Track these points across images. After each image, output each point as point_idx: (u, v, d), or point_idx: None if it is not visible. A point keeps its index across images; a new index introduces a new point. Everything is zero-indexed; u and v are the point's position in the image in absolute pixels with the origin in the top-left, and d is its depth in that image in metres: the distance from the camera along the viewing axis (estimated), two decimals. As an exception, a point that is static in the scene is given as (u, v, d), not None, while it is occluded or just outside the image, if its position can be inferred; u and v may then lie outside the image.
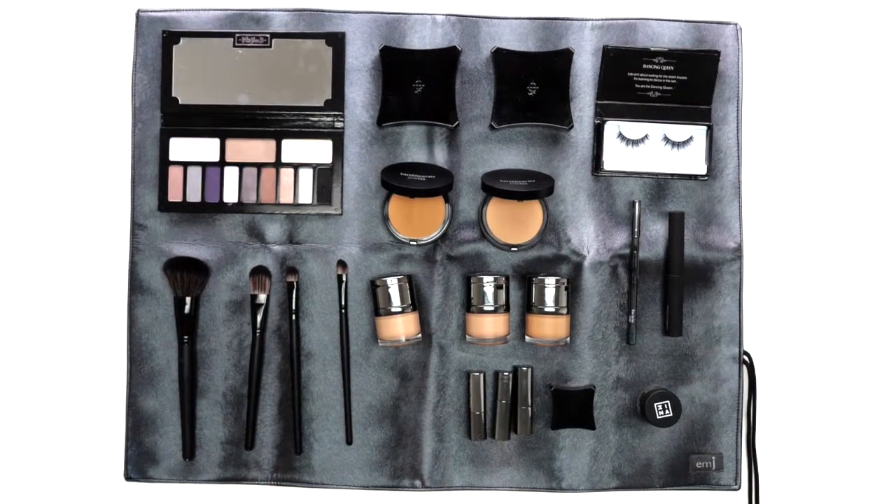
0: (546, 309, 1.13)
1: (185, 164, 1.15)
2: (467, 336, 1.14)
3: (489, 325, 1.13)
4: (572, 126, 1.16)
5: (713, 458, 1.16)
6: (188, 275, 1.13)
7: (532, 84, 1.15)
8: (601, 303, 1.16)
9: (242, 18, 1.16)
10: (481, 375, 1.15)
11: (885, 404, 1.20)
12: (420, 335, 1.14)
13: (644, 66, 1.14)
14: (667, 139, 1.16)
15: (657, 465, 1.16)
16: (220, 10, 1.16)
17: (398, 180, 1.12)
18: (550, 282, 1.13)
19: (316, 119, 1.15)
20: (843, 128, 1.21)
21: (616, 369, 1.16)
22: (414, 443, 1.15)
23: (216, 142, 1.15)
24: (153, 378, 1.15)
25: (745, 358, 1.17)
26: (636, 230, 1.15)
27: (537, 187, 1.12)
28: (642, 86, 1.15)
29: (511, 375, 1.15)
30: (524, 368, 1.15)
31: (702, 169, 1.16)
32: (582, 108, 1.16)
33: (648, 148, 1.16)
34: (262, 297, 1.14)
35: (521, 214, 1.15)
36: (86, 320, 1.17)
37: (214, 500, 1.17)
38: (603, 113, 1.16)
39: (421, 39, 1.16)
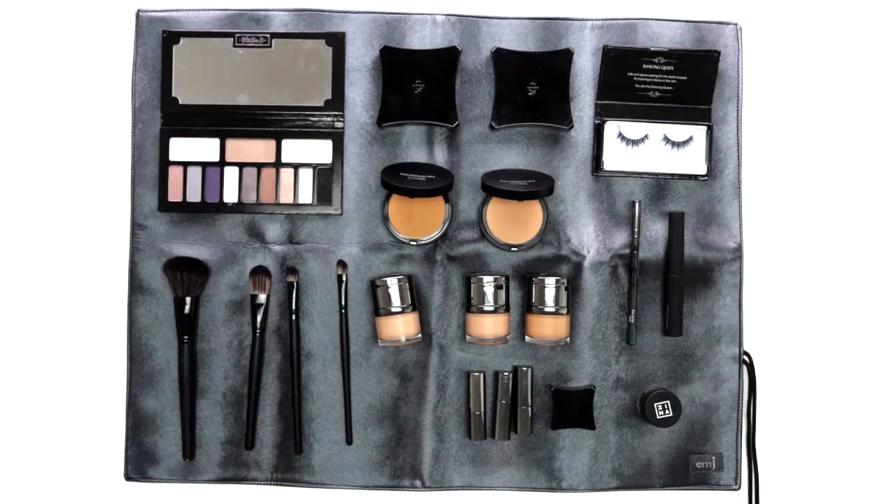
0: (546, 309, 1.13)
1: (185, 164, 1.15)
2: (467, 336, 1.14)
3: (489, 325, 1.13)
4: (572, 126, 1.16)
5: (713, 458, 1.16)
6: (188, 275, 1.13)
7: (532, 84, 1.15)
8: (601, 303, 1.16)
9: (242, 18, 1.16)
10: (481, 375, 1.15)
11: (885, 404, 1.20)
12: (420, 335, 1.14)
13: (644, 66, 1.14)
14: (667, 139, 1.16)
15: (657, 465, 1.16)
16: (220, 10, 1.16)
17: (398, 180, 1.12)
18: (550, 282, 1.13)
19: (316, 119, 1.15)
20: (843, 128, 1.21)
21: (616, 369, 1.16)
22: (414, 443, 1.15)
23: (216, 142, 1.15)
24: (153, 378, 1.15)
25: (745, 358, 1.17)
26: (636, 230, 1.15)
27: (537, 187, 1.12)
28: (642, 86, 1.15)
29: (511, 375, 1.15)
30: (524, 368, 1.15)
31: (702, 169, 1.16)
32: (582, 108, 1.16)
33: (648, 148, 1.16)
34: (262, 297, 1.14)
35: (521, 214, 1.15)
36: (86, 320, 1.17)
37: (214, 500, 1.17)
38: (603, 113, 1.16)
39: (421, 39, 1.16)
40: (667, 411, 1.13)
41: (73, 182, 1.18)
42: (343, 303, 1.15)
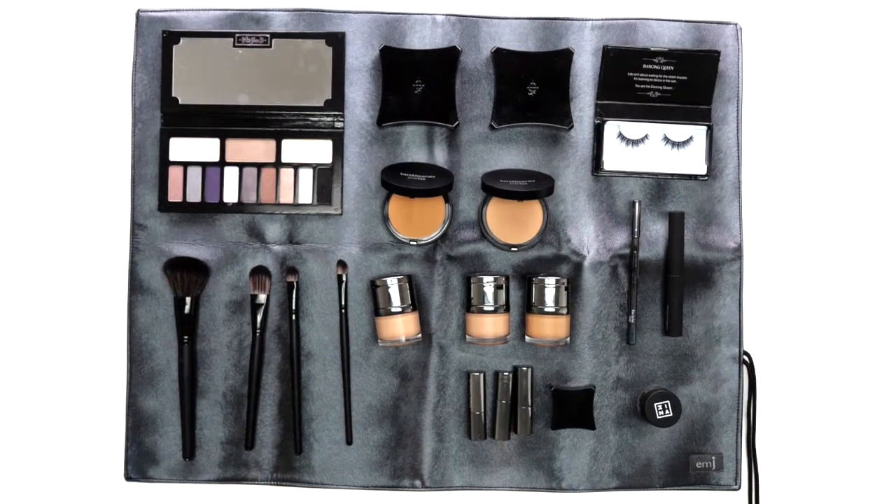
0: (546, 309, 1.13)
1: (185, 164, 1.15)
2: (467, 336, 1.14)
3: (489, 325, 1.13)
4: (572, 126, 1.16)
5: (713, 458, 1.16)
6: (188, 275, 1.13)
7: (532, 84, 1.15)
8: (601, 303, 1.16)
9: (242, 18, 1.16)
10: (481, 375, 1.15)
11: (885, 404, 1.20)
12: (420, 335, 1.14)
13: (644, 66, 1.14)
14: (667, 139, 1.16)
15: (657, 465, 1.16)
16: (220, 10, 1.16)
17: (398, 180, 1.12)
18: (550, 282, 1.13)
19: (316, 119, 1.15)
20: (843, 128, 1.21)
21: (616, 369, 1.16)
22: (414, 443, 1.15)
23: (216, 142, 1.15)
24: (153, 378, 1.15)
25: (745, 358, 1.17)
26: (636, 230, 1.15)
27: (537, 187, 1.12)
28: (642, 86, 1.15)
29: (511, 375, 1.15)
30: (524, 368, 1.15)
31: (702, 169, 1.16)
32: (582, 108, 1.16)
33: (648, 148, 1.16)
34: (262, 297, 1.14)
35: (521, 214, 1.15)
36: (86, 320, 1.17)
37: (214, 500, 1.17)
38: (603, 113, 1.16)
39: (421, 39, 1.16)
40: (667, 411, 1.13)
41: (73, 182, 1.18)
42: (343, 303, 1.15)
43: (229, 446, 1.15)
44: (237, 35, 1.15)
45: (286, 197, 1.15)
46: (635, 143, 1.16)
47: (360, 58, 1.16)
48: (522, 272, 1.16)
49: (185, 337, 1.14)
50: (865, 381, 1.20)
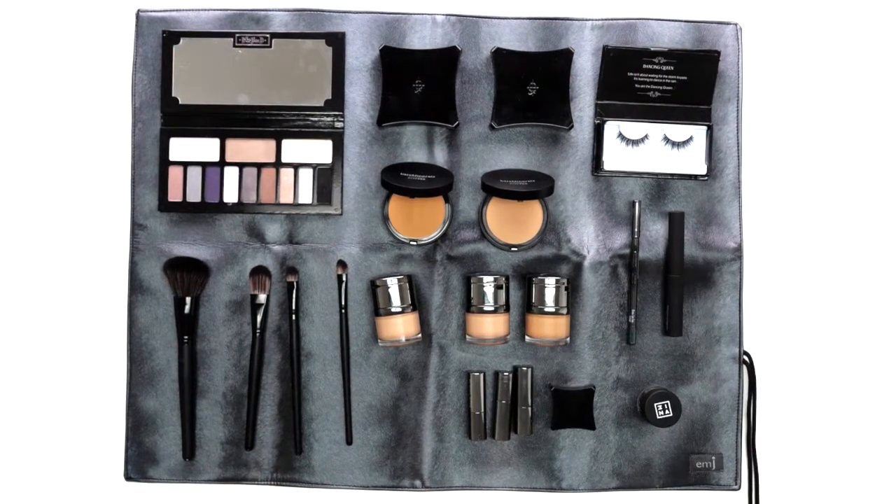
0: (546, 309, 1.13)
1: (185, 164, 1.15)
2: (467, 336, 1.14)
3: (489, 325, 1.13)
4: (572, 126, 1.16)
5: (713, 458, 1.16)
6: (188, 275, 1.13)
7: (532, 84, 1.15)
8: (601, 303, 1.16)
9: (242, 18, 1.16)
10: (481, 375, 1.15)
11: (885, 404, 1.20)
12: (420, 335, 1.14)
13: (644, 66, 1.14)
14: (667, 139, 1.16)
15: (657, 465, 1.16)
16: (220, 10, 1.16)
17: (398, 180, 1.12)
18: (550, 282, 1.13)
19: (316, 119, 1.15)
20: (843, 128, 1.21)
21: (616, 369, 1.16)
22: (414, 443, 1.15)
23: (216, 142, 1.15)
24: (153, 378, 1.15)
25: (745, 358, 1.17)
26: (636, 230, 1.15)
27: (537, 187, 1.12)
28: (642, 86, 1.15)
29: (511, 375, 1.15)
30: (524, 368, 1.15)
31: (702, 169, 1.16)
32: (582, 108, 1.16)
33: (648, 148, 1.16)
34: (262, 297, 1.14)
35: (521, 214, 1.15)
36: (86, 320, 1.17)
37: (214, 500, 1.17)
38: (603, 113, 1.16)
39: (421, 39, 1.16)
40: (667, 411, 1.13)
41: (74, 182, 1.18)
42: (343, 303, 1.15)
43: (229, 446, 1.15)
44: (237, 35, 1.15)
45: (286, 197, 1.15)
46: (635, 143, 1.16)
47: (360, 58, 1.16)
48: (522, 272, 1.16)
49: (185, 337, 1.14)
50: (865, 381, 1.20)
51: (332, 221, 1.16)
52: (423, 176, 1.13)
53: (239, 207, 1.15)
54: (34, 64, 1.19)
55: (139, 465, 1.15)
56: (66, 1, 1.19)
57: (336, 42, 1.15)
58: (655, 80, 1.15)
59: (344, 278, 1.15)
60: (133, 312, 1.15)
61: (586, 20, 1.16)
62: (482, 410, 1.15)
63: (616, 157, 1.16)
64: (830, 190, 1.20)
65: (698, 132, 1.16)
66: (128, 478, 1.15)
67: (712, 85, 1.15)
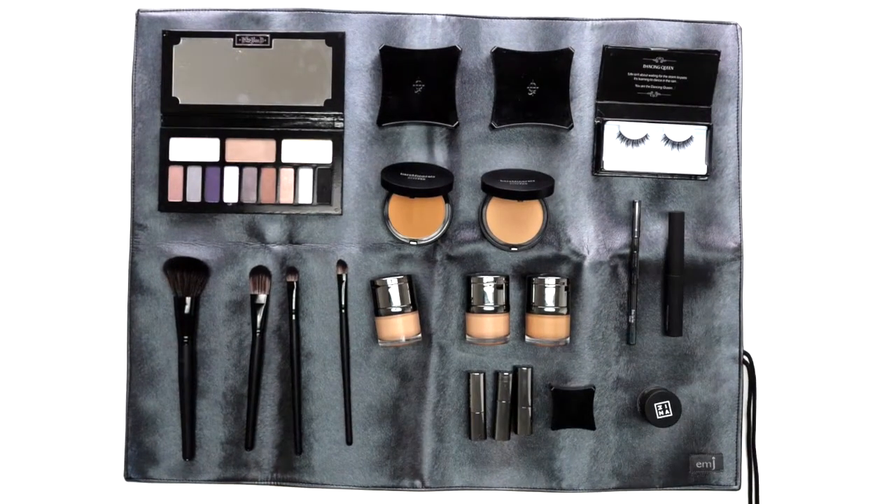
0: (546, 309, 1.13)
1: (185, 164, 1.15)
2: (467, 336, 1.14)
3: (489, 325, 1.13)
4: (572, 126, 1.16)
5: (713, 458, 1.16)
6: (188, 275, 1.13)
7: (532, 84, 1.15)
8: (601, 303, 1.16)
9: (242, 18, 1.16)
10: (481, 375, 1.15)
11: (885, 404, 1.20)
12: (420, 335, 1.14)
13: (644, 66, 1.14)
14: (667, 139, 1.16)
15: (657, 465, 1.16)
16: (220, 10, 1.16)
17: (398, 180, 1.12)
18: (550, 282, 1.13)
19: (316, 119, 1.15)
20: (842, 128, 1.21)
21: (616, 369, 1.16)
22: (414, 443, 1.15)
23: (216, 142, 1.15)
24: (153, 378, 1.15)
25: (745, 358, 1.17)
26: (636, 230, 1.15)
27: (537, 187, 1.12)
28: (642, 86, 1.15)
29: (511, 375, 1.15)
30: (524, 368, 1.15)
31: (702, 169, 1.16)
32: (582, 108, 1.16)
33: (648, 148, 1.16)
34: (262, 297, 1.14)
35: (521, 214, 1.15)
36: (86, 320, 1.17)
37: (214, 500, 1.17)
38: (603, 113, 1.16)
39: (421, 39, 1.16)
40: (667, 411, 1.13)
41: (73, 182, 1.18)
42: (343, 303, 1.15)
43: (229, 446, 1.15)
44: (237, 35, 1.15)
45: (286, 197, 1.15)
46: (635, 143, 1.16)
47: (360, 58, 1.16)
48: (522, 272, 1.16)
49: (185, 337, 1.14)
50: (865, 381, 1.20)
51: (332, 221, 1.16)
52: (423, 176, 1.13)
53: (239, 207, 1.15)
54: (34, 64, 1.19)
55: (139, 465, 1.15)
56: (66, 1, 1.19)
57: (336, 42, 1.15)
58: (655, 80, 1.15)
59: (344, 278, 1.15)
60: (133, 312, 1.15)
61: (586, 20, 1.16)
62: (482, 410, 1.15)
63: (616, 157, 1.16)
64: (830, 190, 1.20)
65: (698, 132, 1.16)
66: (128, 478, 1.15)
67: (712, 85, 1.15)
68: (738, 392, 1.16)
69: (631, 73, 1.15)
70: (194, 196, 1.15)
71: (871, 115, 1.21)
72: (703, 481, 1.16)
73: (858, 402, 1.20)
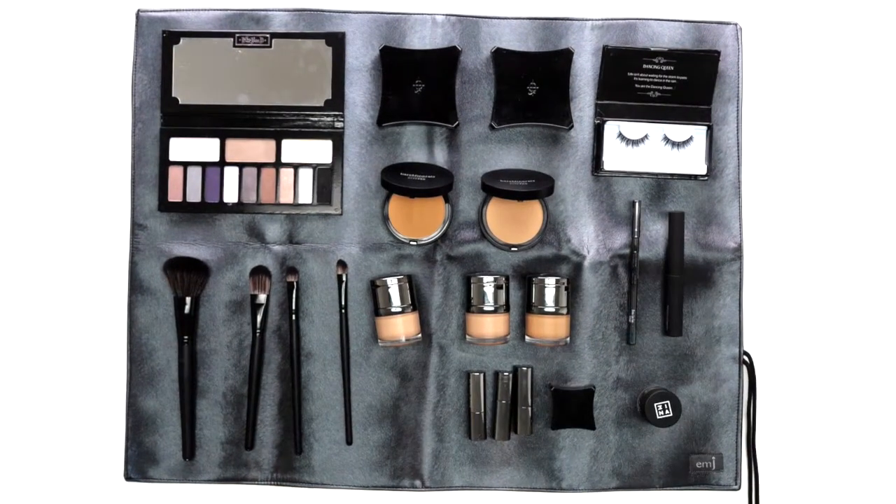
0: (546, 309, 1.13)
1: (185, 164, 1.15)
2: (467, 336, 1.14)
3: (489, 325, 1.13)
4: (572, 126, 1.16)
5: (713, 458, 1.16)
6: (188, 275, 1.13)
7: (532, 84, 1.15)
8: (601, 303, 1.16)
9: (242, 18, 1.16)
10: (481, 375, 1.15)
11: (885, 404, 1.20)
12: (420, 335, 1.14)
13: (644, 66, 1.14)
14: (667, 139, 1.16)
15: (657, 465, 1.16)
16: (220, 10, 1.16)
17: (398, 180, 1.12)
18: (550, 282, 1.13)
19: (316, 119, 1.15)
20: (843, 128, 1.21)
21: (616, 369, 1.16)
22: (414, 443, 1.15)
23: (216, 142, 1.15)
24: (153, 378, 1.15)
25: (745, 358, 1.17)
26: (636, 230, 1.15)
27: (537, 187, 1.12)
28: (642, 86, 1.15)
29: (511, 375, 1.15)
30: (524, 368, 1.15)
31: (702, 169, 1.16)
32: (582, 108, 1.16)
33: (648, 148, 1.16)
34: (262, 297, 1.14)
35: (521, 214, 1.15)
36: (86, 320, 1.17)
37: (214, 500, 1.17)
38: (603, 113, 1.16)
39: (421, 39, 1.16)
40: (667, 411, 1.13)
41: (74, 182, 1.18)
42: (343, 303, 1.15)
43: (229, 446, 1.15)
44: (237, 35, 1.15)
45: (286, 197, 1.15)
46: (635, 143, 1.16)
47: (360, 58, 1.16)
48: (522, 272, 1.16)
49: (185, 337, 1.14)
50: (865, 381, 1.20)
51: (332, 221, 1.16)
52: (423, 176, 1.13)
53: (239, 207, 1.15)
54: (34, 64, 1.19)
55: (139, 465, 1.15)
56: (66, 1, 1.19)
57: (336, 42, 1.15)
58: (655, 80, 1.15)
59: (344, 278, 1.15)
60: (133, 312, 1.15)
61: (586, 20, 1.16)
62: (482, 410, 1.15)
63: (616, 157, 1.16)
64: (830, 190, 1.20)
65: (698, 132, 1.16)
66: (128, 478, 1.15)
67: (712, 85, 1.15)
68: (738, 392, 1.16)
69: (631, 73, 1.15)
70: (194, 196, 1.15)
71: (871, 115, 1.21)
72: (703, 481, 1.16)
73: (858, 401, 1.20)
